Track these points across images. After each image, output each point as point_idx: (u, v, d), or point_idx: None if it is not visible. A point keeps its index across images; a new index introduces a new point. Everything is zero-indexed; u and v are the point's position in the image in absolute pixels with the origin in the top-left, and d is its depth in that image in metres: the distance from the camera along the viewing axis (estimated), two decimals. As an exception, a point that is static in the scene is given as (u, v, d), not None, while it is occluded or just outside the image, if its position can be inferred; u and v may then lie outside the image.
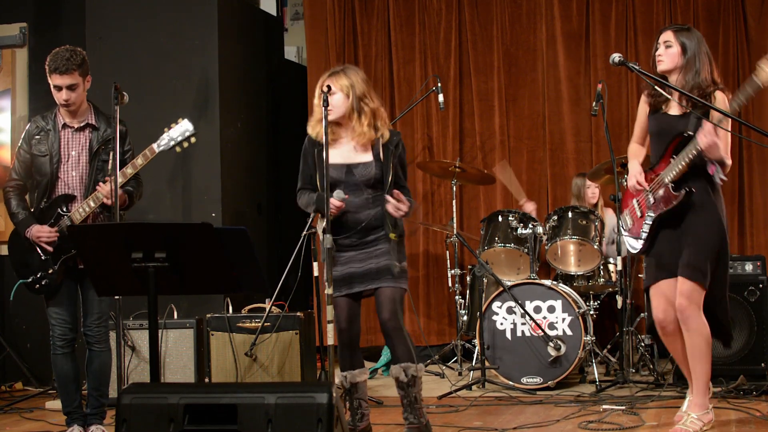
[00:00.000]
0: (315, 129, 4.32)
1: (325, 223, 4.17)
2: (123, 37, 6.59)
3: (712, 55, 4.32)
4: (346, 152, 4.30)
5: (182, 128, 4.66)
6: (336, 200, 4.18)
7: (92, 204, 4.55)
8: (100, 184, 4.55)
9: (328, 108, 4.19)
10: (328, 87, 4.19)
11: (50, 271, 4.60)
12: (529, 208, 6.49)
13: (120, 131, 4.54)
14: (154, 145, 4.62)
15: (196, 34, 6.55)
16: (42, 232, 4.56)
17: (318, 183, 4.32)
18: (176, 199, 6.51)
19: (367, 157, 4.28)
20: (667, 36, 4.30)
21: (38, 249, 4.61)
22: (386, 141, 4.28)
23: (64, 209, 4.60)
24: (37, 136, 4.65)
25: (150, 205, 6.20)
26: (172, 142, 4.66)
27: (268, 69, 7.52)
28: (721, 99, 4.19)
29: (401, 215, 4.19)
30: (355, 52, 7.40)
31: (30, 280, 4.62)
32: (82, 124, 4.68)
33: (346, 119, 4.28)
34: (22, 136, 4.73)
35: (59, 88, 4.58)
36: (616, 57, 4.05)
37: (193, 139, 4.70)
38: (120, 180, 4.48)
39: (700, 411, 4.24)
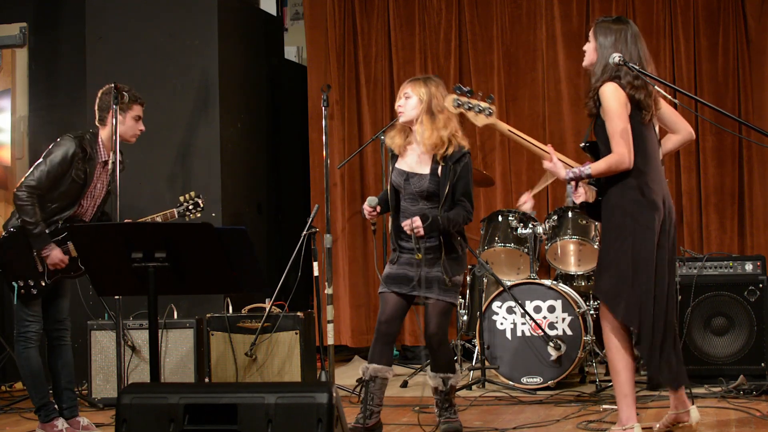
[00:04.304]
0: (392, 139, 4.52)
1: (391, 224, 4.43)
2: (123, 37, 6.59)
3: (638, 46, 4.02)
4: (411, 161, 4.46)
5: (196, 202, 5.05)
6: (367, 206, 4.46)
7: None
8: None
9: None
10: (328, 86, 4.24)
11: (42, 284, 4.67)
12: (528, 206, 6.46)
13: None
14: (175, 211, 4.97)
15: (196, 34, 6.54)
16: (63, 261, 4.63)
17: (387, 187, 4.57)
18: (176, 199, 6.50)
19: (426, 169, 4.41)
20: (591, 29, 4.11)
21: (38, 262, 4.64)
22: (448, 157, 4.37)
23: None
24: (81, 162, 4.66)
25: (150, 205, 6.20)
26: (184, 210, 5.03)
27: (268, 69, 7.52)
28: (607, 91, 3.93)
29: (418, 234, 4.29)
30: (355, 52, 7.39)
31: (21, 284, 4.64)
32: (113, 160, 4.76)
33: (417, 125, 4.40)
34: (64, 155, 4.62)
35: (139, 118, 4.79)
36: (616, 57, 4.00)
37: (199, 214, 5.06)
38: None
39: (616, 427, 4.05)
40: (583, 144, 4.17)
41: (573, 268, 6.13)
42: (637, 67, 3.95)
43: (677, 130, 4.24)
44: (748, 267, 5.50)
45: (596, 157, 4.07)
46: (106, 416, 5.21)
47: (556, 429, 4.54)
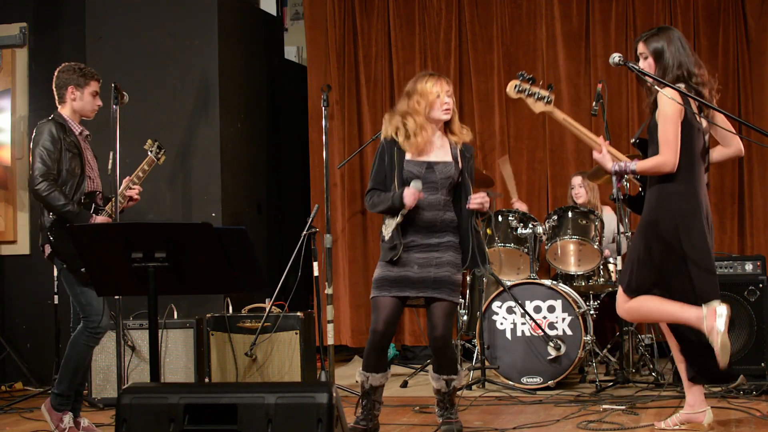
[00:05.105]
0: (404, 127, 4.36)
1: (393, 223, 4.27)
2: (123, 37, 6.59)
3: (686, 47, 4.17)
4: (434, 152, 4.39)
5: (158, 146, 5.02)
6: (414, 189, 4.21)
7: (121, 201, 4.77)
8: (132, 186, 4.84)
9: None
10: (328, 86, 4.22)
11: None
12: (520, 208, 6.47)
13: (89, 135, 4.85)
14: (152, 157, 4.95)
15: (196, 34, 6.55)
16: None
17: (396, 181, 4.32)
18: (176, 199, 6.52)
19: (448, 157, 4.38)
20: (640, 48, 4.21)
21: None
22: (464, 149, 4.41)
23: (101, 204, 4.76)
24: (63, 135, 4.71)
25: (150, 205, 6.20)
26: (155, 156, 5.00)
27: (268, 69, 7.52)
28: (665, 96, 4.04)
29: (485, 209, 4.29)
30: (355, 52, 7.40)
31: (83, 270, 4.64)
32: (86, 132, 4.86)
33: (442, 121, 4.41)
34: (50, 134, 4.68)
35: (96, 94, 4.81)
36: (616, 57, 4.05)
37: (164, 156, 5.06)
38: (137, 184, 4.90)
39: (709, 319, 4.02)
40: (633, 140, 4.31)
41: (573, 268, 6.13)
42: (637, 67, 4.01)
43: (728, 144, 4.38)
44: (748, 267, 5.50)
45: (644, 154, 4.21)
46: (106, 416, 5.21)
47: (556, 429, 4.54)
